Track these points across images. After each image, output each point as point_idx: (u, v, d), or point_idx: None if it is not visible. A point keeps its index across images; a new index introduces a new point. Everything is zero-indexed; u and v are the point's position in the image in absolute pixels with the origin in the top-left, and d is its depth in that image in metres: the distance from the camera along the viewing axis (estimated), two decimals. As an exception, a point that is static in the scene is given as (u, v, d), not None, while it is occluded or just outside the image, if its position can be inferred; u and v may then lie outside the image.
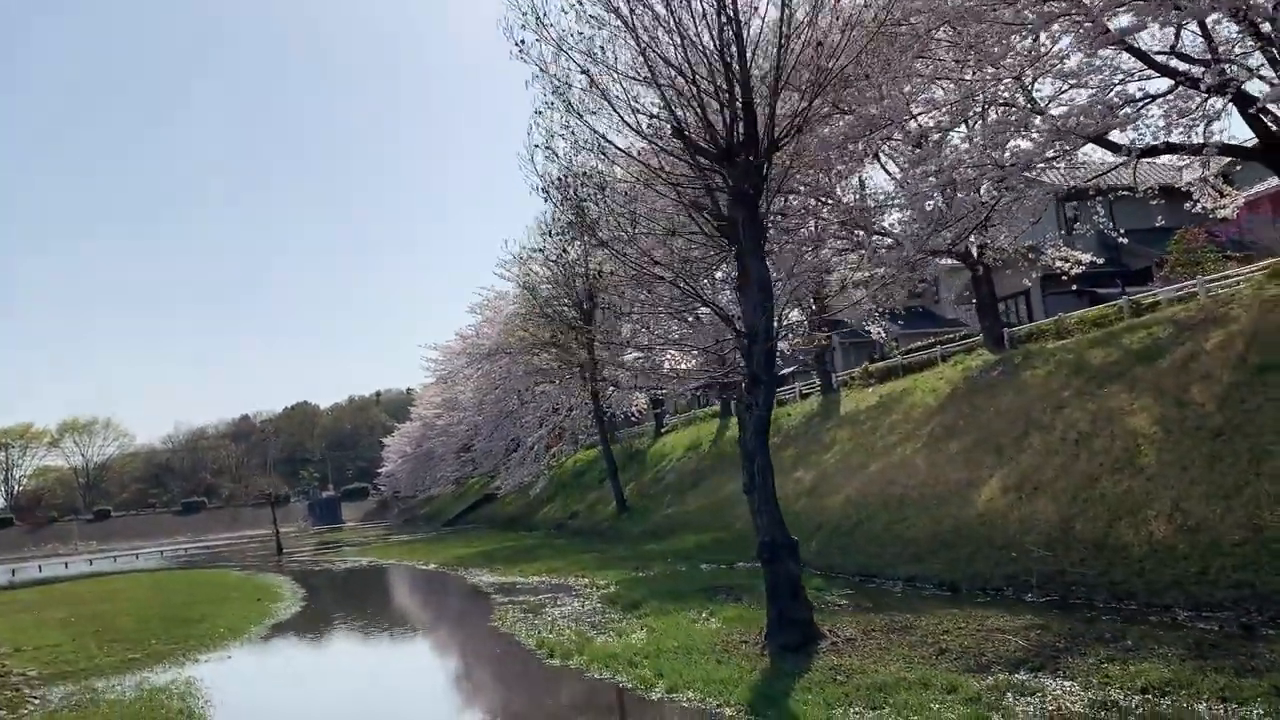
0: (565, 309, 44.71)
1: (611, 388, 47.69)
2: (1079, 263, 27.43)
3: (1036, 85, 19.93)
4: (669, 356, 52.17)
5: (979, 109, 22.25)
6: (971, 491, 19.46)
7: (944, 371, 28.93)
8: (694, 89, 12.04)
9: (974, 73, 20.57)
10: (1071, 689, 9.32)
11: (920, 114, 22.01)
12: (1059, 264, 27.62)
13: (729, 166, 12.14)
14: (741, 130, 12.13)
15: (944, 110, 21.57)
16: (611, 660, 12.99)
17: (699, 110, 12.22)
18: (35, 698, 14.64)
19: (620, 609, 17.79)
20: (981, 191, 22.65)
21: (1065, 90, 19.46)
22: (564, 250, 40.95)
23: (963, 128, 23.21)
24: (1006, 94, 20.29)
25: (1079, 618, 12.37)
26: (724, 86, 12.00)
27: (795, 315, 36.79)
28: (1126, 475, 15.82)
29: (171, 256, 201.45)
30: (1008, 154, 20.35)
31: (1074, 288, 31.24)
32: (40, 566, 68.16)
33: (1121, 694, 8.97)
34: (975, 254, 27.65)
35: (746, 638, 13.20)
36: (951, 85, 21.26)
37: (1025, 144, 20.47)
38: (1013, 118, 19.72)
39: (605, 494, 47.99)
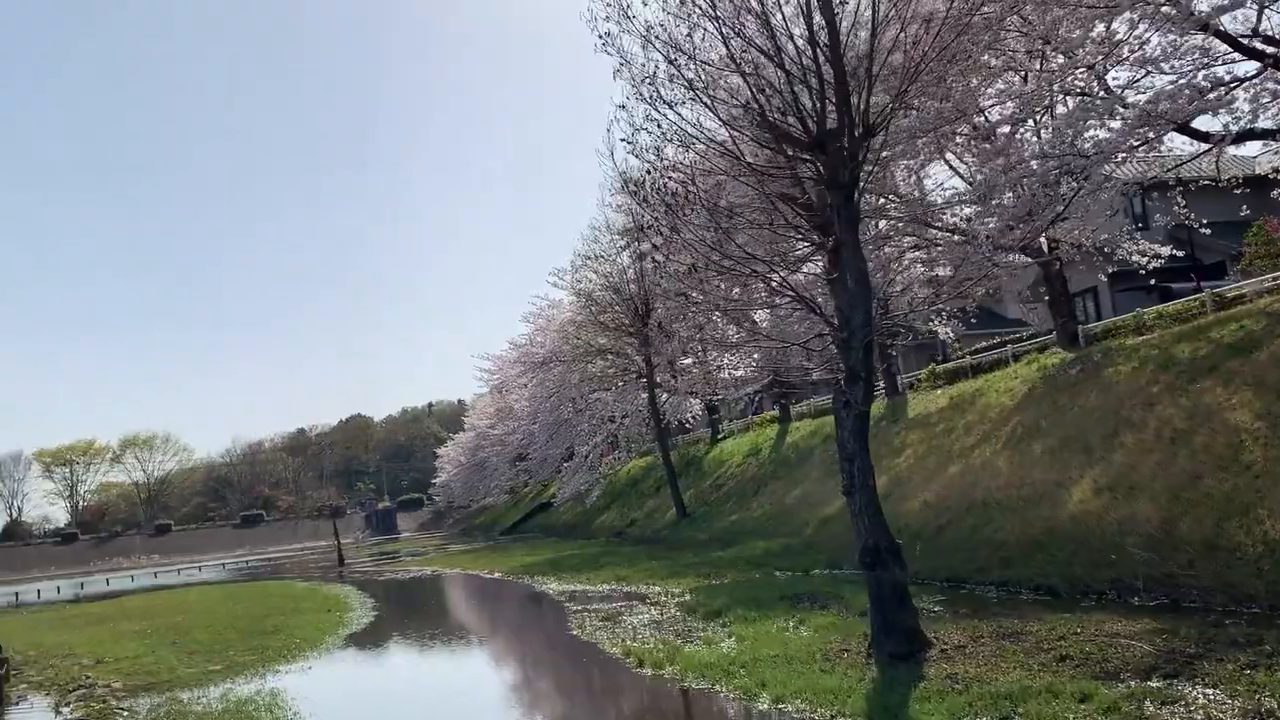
0: (621, 315, 44.47)
1: (666, 394, 47.40)
2: (1157, 256, 26.53)
3: (1112, 73, 19.30)
4: (725, 363, 51.96)
5: (1050, 100, 21.63)
6: (1061, 493, 18.76)
7: (1017, 371, 28.14)
8: (784, 74, 11.61)
9: (1045, 63, 19.96)
10: (1217, 697, 8.70)
11: (990, 106, 21.43)
12: (1136, 258, 26.75)
13: (821, 155, 11.66)
14: (834, 116, 11.66)
15: (1014, 102, 20.96)
16: (707, 670, 12.55)
17: (790, 98, 11.79)
18: (122, 709, 14.53)
19: (701, 617, 17.35)
20: (1059, 184, 21.94)
21: (1141, 77, 18.79)
22: (639, 251, 40.81)
23: (1030, 120, 22.57)
24: (1081, 83, 19.66)
25: (1201, 621, 11.70)
26: (814, 69, 11.54)
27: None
28: (1232, 473, 15.08)
29: (226, 275, 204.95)
30: (1089, 144, 19.67)
31: (1151, 282, 30.31)
32: (108, 580, 69.12)
33: (1276, 703, 8.35)
34: (1047, 250, 26.88)
35: (847, 646, 12.69)
36: (1017, 78, 20.68)
37: (1104, 133, 19.80)
38: (1093, 106, 19.04)
39: (663, 501, 47.58)
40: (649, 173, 11.74)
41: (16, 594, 56.50)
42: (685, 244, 13.18)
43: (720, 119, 12.51)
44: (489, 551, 49.38)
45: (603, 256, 46.05)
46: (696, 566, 25.96)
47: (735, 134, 12.70)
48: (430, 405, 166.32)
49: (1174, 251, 28.74)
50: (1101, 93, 19.35)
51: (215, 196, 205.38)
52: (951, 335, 36.47)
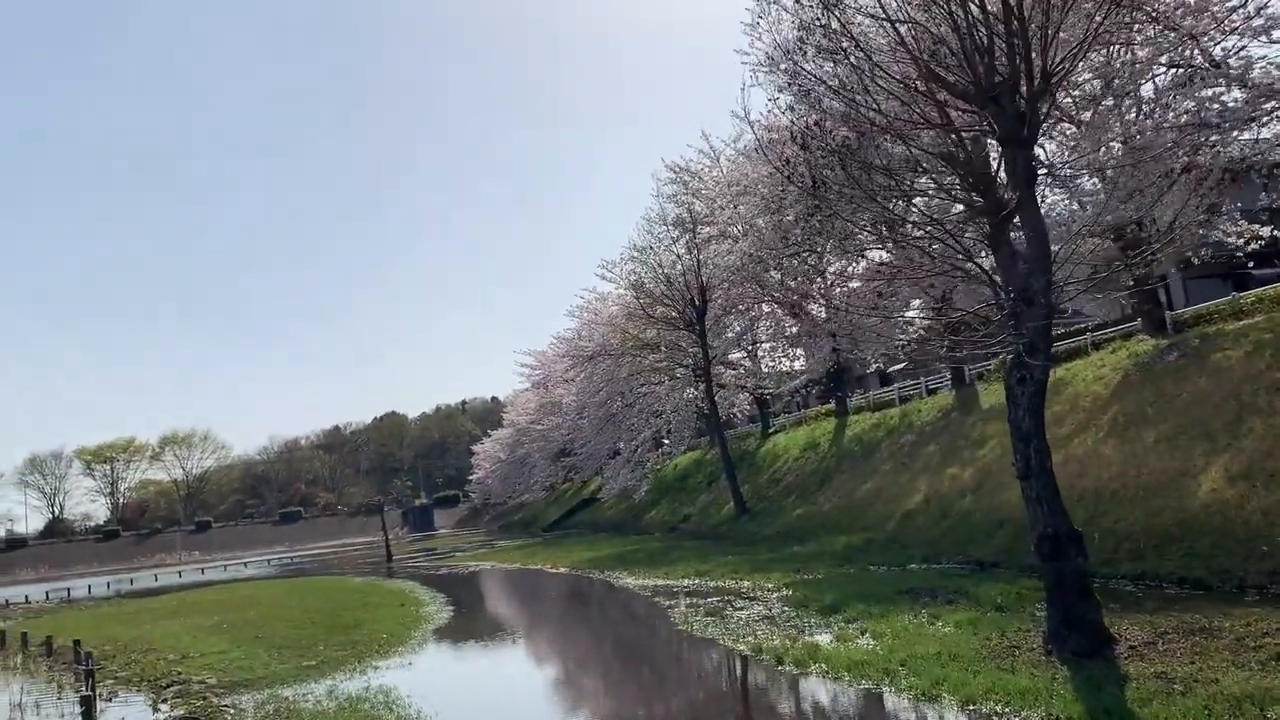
0: (673, 308, 43.54)
1: (720, 388, 46.44)
2: (1257, 238, 25.33)
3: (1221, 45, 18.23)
4: (786, 354, 50.91)
5: (1159, 70, 20.51)
6: (1187, 482, 17.70)
7: (1104, 359, 26.99)
8: (952, 24, 10.63)
9: (1155, 29, 18.85)
10: None
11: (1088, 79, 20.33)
12: (1233, 239, 25.56)
13: (995, 108, 10.65)
14: (1008, 67, 10.64)
15: (1118, 70, 19.84)
16: (860, 668, 11.62)
17: (959, 48, 10.80)
18: (226, 707, 13.76)
19: (816, 613, 16.42)
20: (1171, 159, 20.81)
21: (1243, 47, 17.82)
22: (695, 240, 39.95)
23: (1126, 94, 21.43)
24: (1195, 52, 18.57)
25: None
26: (986, 18, 10.54)
27: (916, 305, 35.20)
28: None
29: (265, 275, 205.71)
30: (1213, 114, 18.59)
31: (1252, 266, 29.07)
32: (156, 575, 69.02)
33: None
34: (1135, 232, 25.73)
35: (1014, 642, 11.72)
36: (1119, 47, 19.58)
37: (1230, 102, 18.74)
38: (1220, 73, 17.97)
39: (717, 496, 46.67)
40: (816, 124, 10.69)
41: (68, 590, 56.35)
42: (840, 200, 12.07)
43: (883, 73, 11.50)
44: (541, 547, 48.58)
45: (653, 248, 45.23)
46: (778, 562, 25.05)
47: (888, 88, 11.68)
48: (464, 403, 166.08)
49: (1275, 233, 27.56)
50: (1206, 64, 18.30)
51: (254, 193, 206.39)
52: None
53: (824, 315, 39.09)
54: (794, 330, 41.59)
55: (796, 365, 51.60)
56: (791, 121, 11.90)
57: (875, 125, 10.98)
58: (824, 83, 11.48)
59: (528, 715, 12.33)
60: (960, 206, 12.79)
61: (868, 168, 10.85)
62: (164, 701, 14.84)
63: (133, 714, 14.27)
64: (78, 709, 14.91)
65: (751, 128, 15.11)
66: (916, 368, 47.75)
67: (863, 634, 13.89)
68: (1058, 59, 10.57)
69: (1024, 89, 10.50)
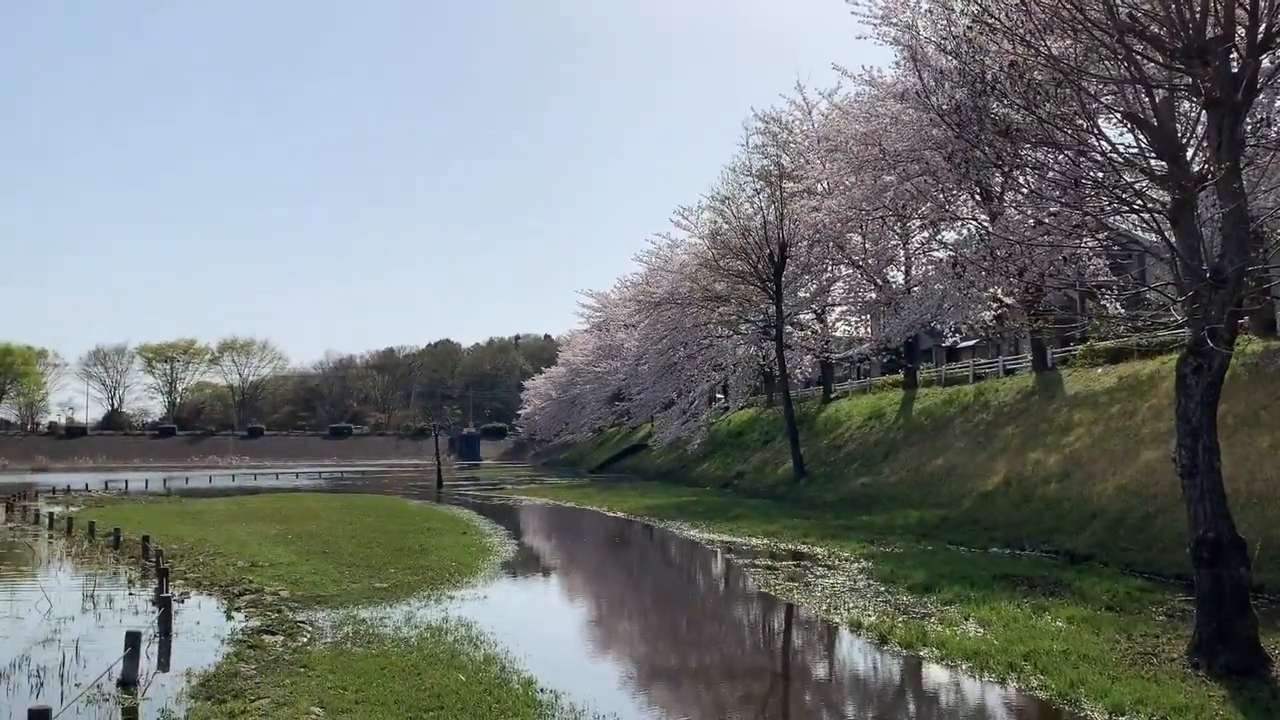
0: (748, 262, 42.45)
1: (785, 348, 45.43)
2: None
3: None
4: (858, 321, 49.68)
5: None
6: (1309, 491, 16.57)
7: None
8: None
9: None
10: None
11: None
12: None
13: (1200, 65, 9.50)
14: (1225, 18, 9.44)
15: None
16: (980, 658, 10.83)
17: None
18: (302, 623, 13.36)
19: (907, 590, 15.64)
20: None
21: None
22: (781, 194, 38.73)
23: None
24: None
25: None
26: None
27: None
28: None
29: (334, 192, 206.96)
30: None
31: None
32: (210, 477, 70.14)
33: None
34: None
35: (1150, 650, 10.86)
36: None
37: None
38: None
39: (773, 456, 46.00)
40: (1013, 65, 9.61)
41: (125, 482, 57.34)
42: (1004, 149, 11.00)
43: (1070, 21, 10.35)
44: (593, 488, 48.35)
45: (734, 199, 44.06)
46: (849, 530, 24.33)
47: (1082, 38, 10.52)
48: (517, 338, 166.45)
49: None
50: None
51: (340, 117, 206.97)
52: (1107, 310, 33.90)
53: (904, 284, 37.93)
54: (870, 297, 40.45)
55: (864, 332, 50.57)
56: (961, 61, 10.77)
57: (1059, 71, 9.87)
58: (996, 20, 10.37)
59: (630, 676, 11.71)
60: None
61: (1056, 117, 9.75)
62: (237, 610, 14.50)
63: (206, 619, 13.93)
64: (151, 607, 14.68)
65: (916, 68, 13.90)
66: (989, 345, 46.46)
67: (966, 619, 13.09)
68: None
69: (1242, 44, 9.36)
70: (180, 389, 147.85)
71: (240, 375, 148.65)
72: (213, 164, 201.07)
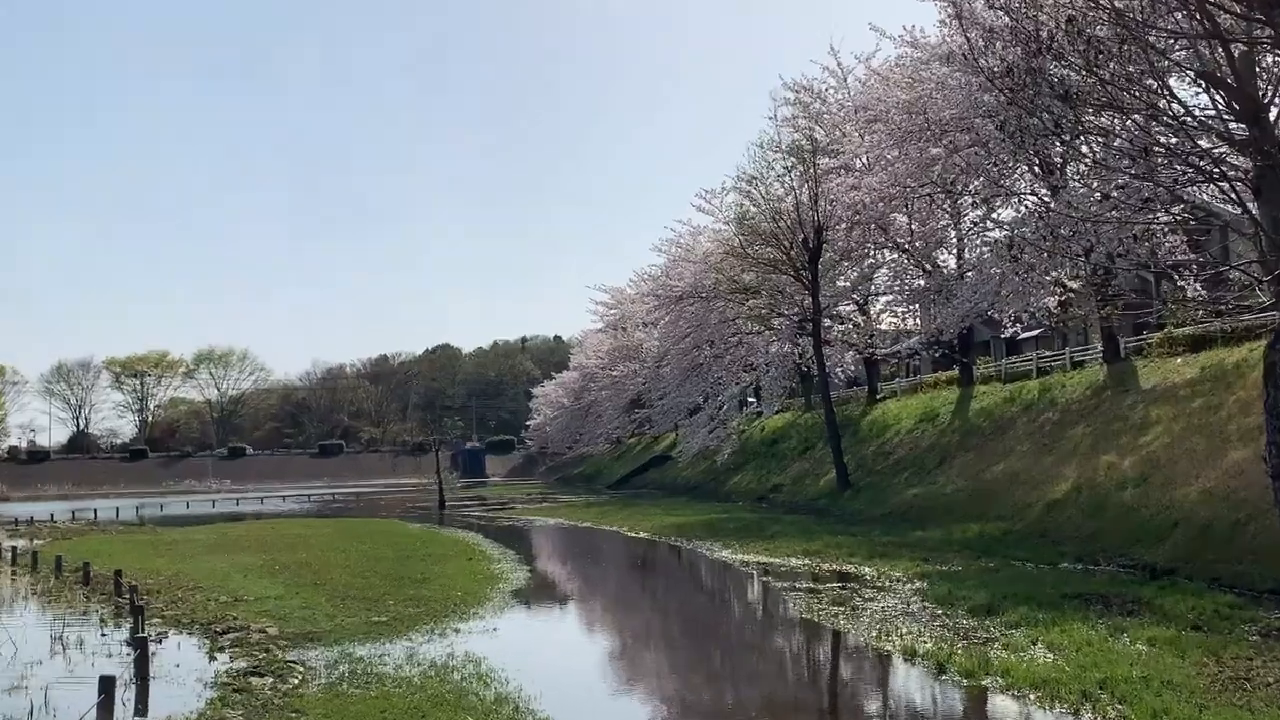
0: (780, 249, 42.42)
1: (829, 345, 45.40)
2: None
3: None
4: (894, 312, 49.60)
5: None
6: None
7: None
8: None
9: None
10: None
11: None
12: None
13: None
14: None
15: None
16: (1049, 686, 10.80)
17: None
18: (293, 663, 13.47)
19: (966, 612, 15.62)
20: None
21: None
22: (814, 171, 38.64)
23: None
24: None
25: None
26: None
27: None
28: None
29: (310, 188, 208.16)
30: None
31: None
32: (187, 503, 70.71)
33: None
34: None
35: (1240, 672, 10.82)
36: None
37: None
38: None
39: (813, 466, 46.01)
40: (1071, 20, 9.55)
41: (94, 510, 57.84)
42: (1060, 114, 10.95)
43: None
44: (612, 506, 48.48)
45: (763, 178, 43.98)
46: (900, 547, 24.34)
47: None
48: (524, 340, 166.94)
49: None
50: None
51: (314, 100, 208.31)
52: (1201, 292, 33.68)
53: (956, 269, 37.81)
54: (918, 284, 40.36)
55: (912, 324, 50.43)
56: (1013, 18, 10.74)
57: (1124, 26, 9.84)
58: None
59: (659, 716, 11.73)
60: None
61: (1121, 78, 9.71)
62: (220, 650, 14.64)
63: (187, 660, 14.07)
64: (126, 648, 14.83)
65: (962, 27, 13.76)
66: (1054, 335, 46.22)
67: (1033, 644, 13.06)
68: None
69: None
70: (152, 406, 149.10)
71: (218, 389, 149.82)
72: (186, 158, 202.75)
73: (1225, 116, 10.78)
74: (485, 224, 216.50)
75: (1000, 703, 10.94)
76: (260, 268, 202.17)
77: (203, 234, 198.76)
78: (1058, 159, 27.15)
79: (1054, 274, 29.27)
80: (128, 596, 18.29)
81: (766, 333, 47.86)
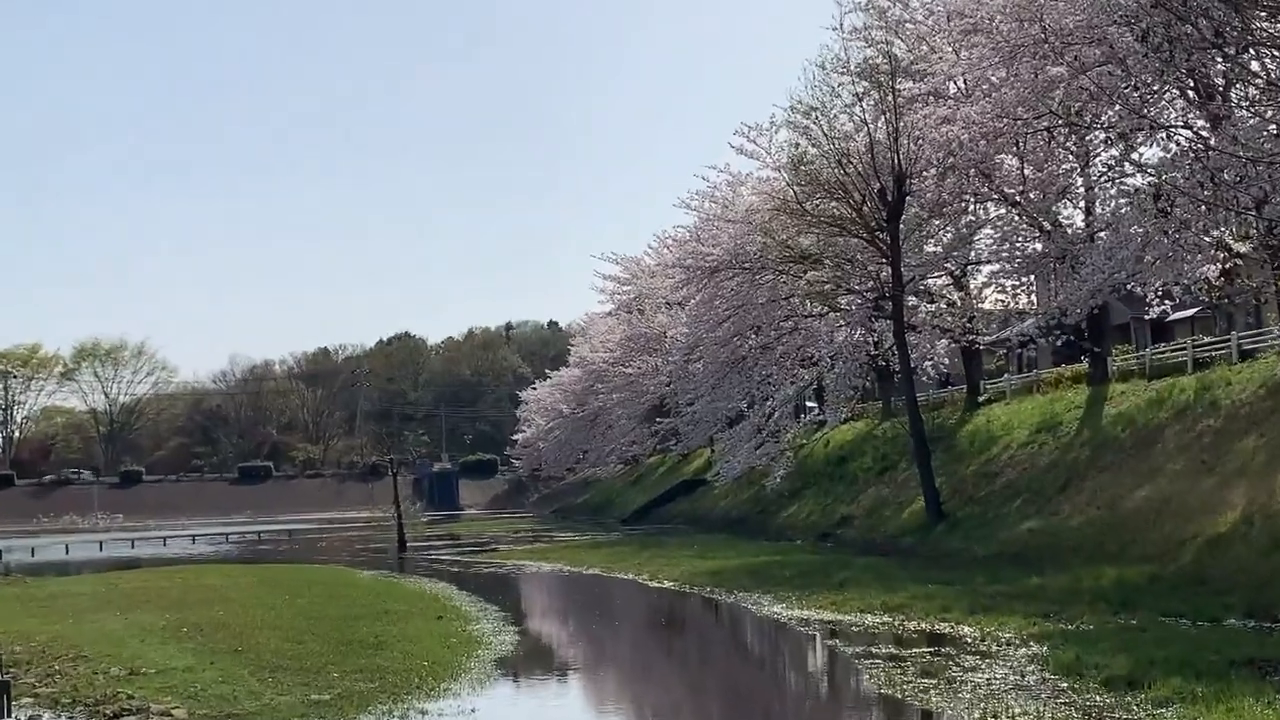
0: (848, 203, 42.34)
1: (909, 329, 45.30)
2: None
3: None
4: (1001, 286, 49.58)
5: None
6: None
7: None
8: None
9: None
10: None
11: None
12: None
13: None
14: None
15: None
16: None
17: None
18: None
19: (1100, 685, 15.63)
20: None
21: None
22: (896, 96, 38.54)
23: None
24: None
25: None
26: None
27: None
28: None
29: (235, 128, 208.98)
30: None
31: None
32: (67, 546, 71.03)
33: None
34: None
35: None
36: None
37: None
38: None
39: (893, 492, 46.21)
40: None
41: (-58, 558, 58.37)
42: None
43: None
44: (627, 547, 48.67)
45: (825, 109, 43.75)
46: (1011, 599, 24.40)
47: None
48: (509, 327, 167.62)
49: None
50: None
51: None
52: None
53: (1084, 228, 37.71)
54: (1034, 248, 40.30)
55: (1025, 302, 50.26)
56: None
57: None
58: None
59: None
60: None
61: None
62: (110, 740, 14.77)
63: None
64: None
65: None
66: (1216, 316, 46.07)
67: (1197, 730, 13.08)
68: None
69: None
70: (19, 418, 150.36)
71: (106, 395, 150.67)
72: (61, 97, 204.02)
73: None
74: (452, 171, 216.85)
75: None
76: (154, 235, 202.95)
77: (83, 195, 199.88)
78: (1219, 80, 27.04)
79: (1215, 233, 29.17)
80: (-9, 671, 18.39)
81: (831, 315, 47.86)
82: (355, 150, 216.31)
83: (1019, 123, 32.85)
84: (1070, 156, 36.20)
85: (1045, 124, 33.05)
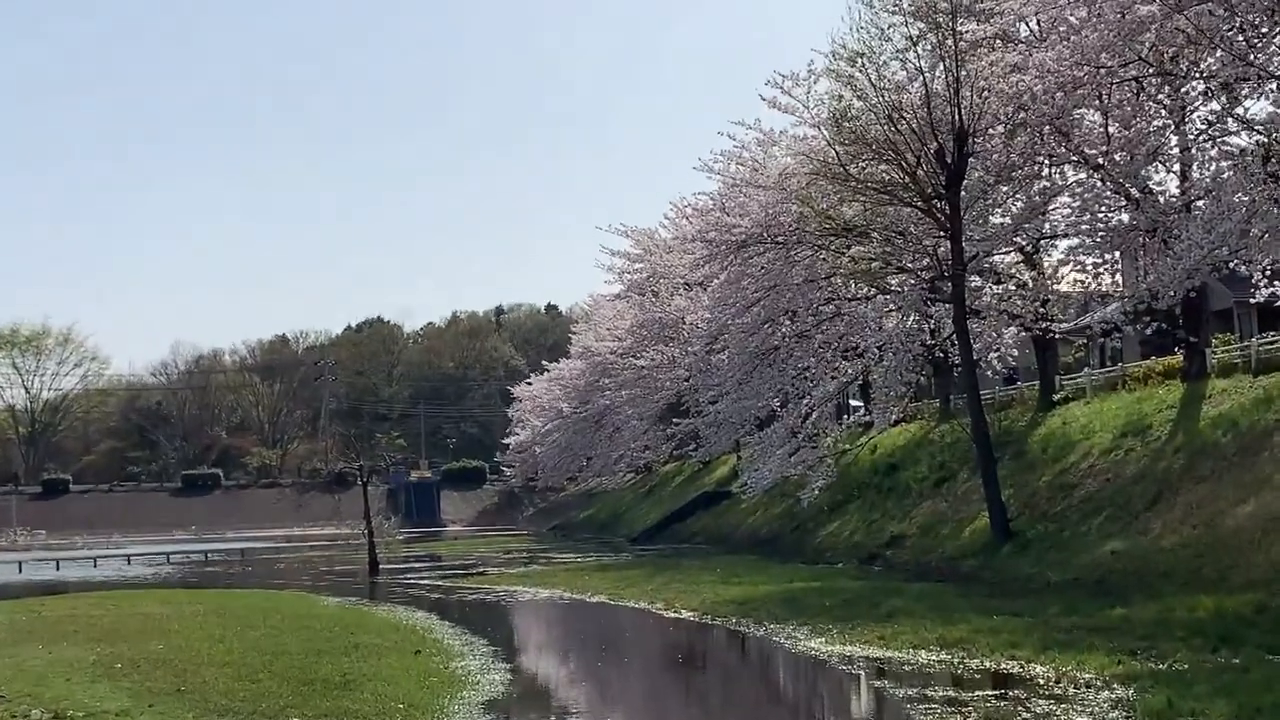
0: (900, 164, 42.31)
1: (971, 315, 45.29)
2: None
3: None
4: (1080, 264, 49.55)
5: None
6: None
7: None
8: None
9: None
10: None
11: None
12: None
13: None
14: None
15: None
16: None
17: None
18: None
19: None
20: None
21: None
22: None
23: None
24: None
25: None
26: None
27: None
28: None
29: (180, 90, 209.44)
30: None
31: None
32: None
33: None
34: None
35: None
36: None
37: None
38: None
39: (952, 506, 46.28)
40: None
41: None
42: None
43: None
44: (639, 571, 48.84)
45: (873, 55, 43.62)
46: (1091, 633, 24.44)
47: None
48: (499, 311, 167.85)
49: None
50: None
51: None
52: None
53: (1178, 196, 37.64)
54: (1119, 219, 40.23)
55: (1109, 283, 50.14)
56: None
57: None
58: None
59: None
60: None
61: None
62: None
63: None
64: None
65: None
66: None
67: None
68: None
69: None
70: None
71: (26, 390, 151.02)
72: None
73: None
74: (432, 127, 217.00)
75: None
76: (83, 204, 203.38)
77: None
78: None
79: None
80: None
81: (879, 298, 47.88)
82: (317, 111, 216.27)
83: (1102, 71, 32.74)
84: (1163, 111, 36.04)
85: (1134, 73, 33.01)
